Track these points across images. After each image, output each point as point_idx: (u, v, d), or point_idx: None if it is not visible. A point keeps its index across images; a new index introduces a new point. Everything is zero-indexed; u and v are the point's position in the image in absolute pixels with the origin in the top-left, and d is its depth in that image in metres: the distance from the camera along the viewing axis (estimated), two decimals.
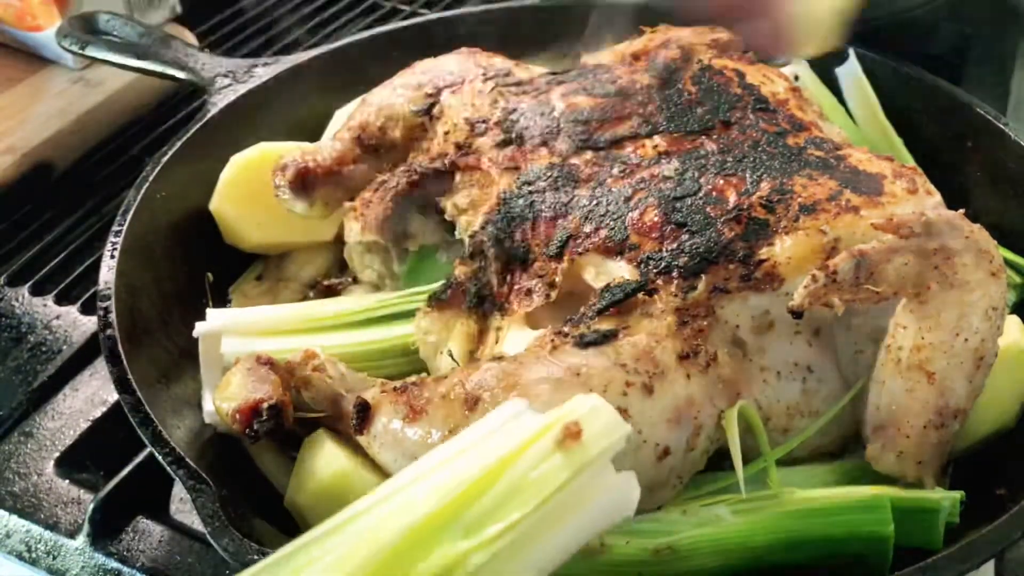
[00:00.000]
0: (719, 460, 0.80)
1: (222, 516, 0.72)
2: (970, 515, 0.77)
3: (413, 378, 0.80)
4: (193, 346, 0.95)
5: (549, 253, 0.86)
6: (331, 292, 1.11)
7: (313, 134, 1.20)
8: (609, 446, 0.60)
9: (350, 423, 0.79)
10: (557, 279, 0.85)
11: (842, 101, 1.22)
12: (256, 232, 1.10)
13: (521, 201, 0.90)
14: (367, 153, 1.08)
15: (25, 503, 0.92)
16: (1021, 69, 1.38)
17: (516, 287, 0.88)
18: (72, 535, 0.88)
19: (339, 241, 1.10)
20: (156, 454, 0.78)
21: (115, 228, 0.97)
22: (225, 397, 0.82)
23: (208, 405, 0.89)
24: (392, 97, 1.09)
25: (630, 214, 0.85)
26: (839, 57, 1.23)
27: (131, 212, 0.99)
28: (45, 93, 1.41)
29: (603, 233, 0.84)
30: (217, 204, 1.08)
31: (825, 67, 1.24)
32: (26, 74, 1.44)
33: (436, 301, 0.89)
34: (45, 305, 1.17)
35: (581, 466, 0.58)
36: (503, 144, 0.96)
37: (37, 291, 1.19)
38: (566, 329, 0.81)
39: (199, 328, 0.94)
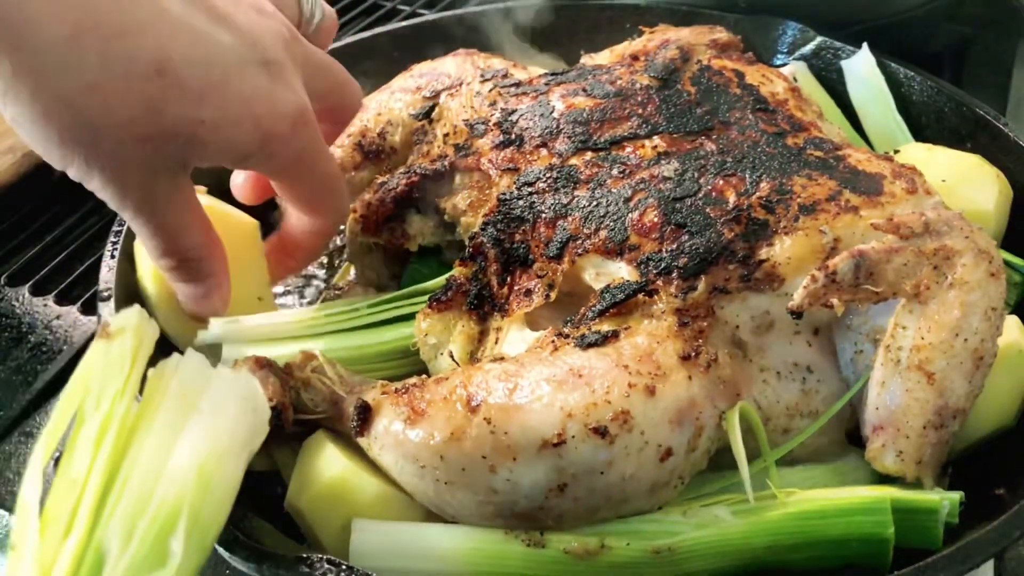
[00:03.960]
0: (719, 460, 0.80)
1: None
2: (969, 515, 0.77)
3: (414, 379, 0.80)
4: None
5: (549, 254, 0.86)
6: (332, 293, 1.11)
7: None
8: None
9: (350, 425, 0.79)
10: (557, 280, 0.85)
11: (839, 102, 1.22)
12: None
13: (521, 202, 0.90)
14: (367, 159, 1.07)
15: None
16: (1021, 69, 1.38)
17: (516, 288, 0.88)
18: None
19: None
20: None
21: (115, 228, 0.96)
22: None
23: None
24: (390, 102, 1.08)
25: (630, 215, 0.85)
26: (836, 56, 1.24)
27: None
28: None
29: (603, 234, 0.84)
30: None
31: (820, 68, 1.25)
32: None
33: (436, 302, 0.89)
34: (45, 305, 1.17)
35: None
36: (502, 145, 0.96)
37: (37, 291, 1.19)
38: (567, 330, 0.81)
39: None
